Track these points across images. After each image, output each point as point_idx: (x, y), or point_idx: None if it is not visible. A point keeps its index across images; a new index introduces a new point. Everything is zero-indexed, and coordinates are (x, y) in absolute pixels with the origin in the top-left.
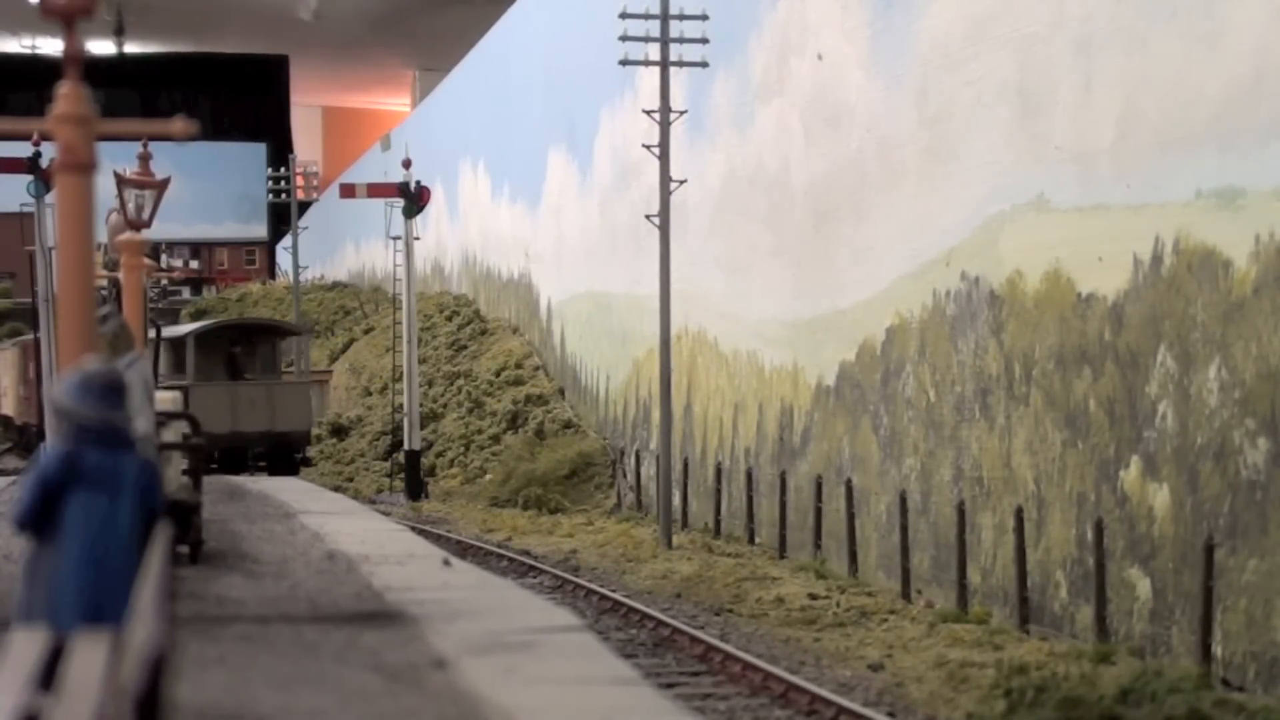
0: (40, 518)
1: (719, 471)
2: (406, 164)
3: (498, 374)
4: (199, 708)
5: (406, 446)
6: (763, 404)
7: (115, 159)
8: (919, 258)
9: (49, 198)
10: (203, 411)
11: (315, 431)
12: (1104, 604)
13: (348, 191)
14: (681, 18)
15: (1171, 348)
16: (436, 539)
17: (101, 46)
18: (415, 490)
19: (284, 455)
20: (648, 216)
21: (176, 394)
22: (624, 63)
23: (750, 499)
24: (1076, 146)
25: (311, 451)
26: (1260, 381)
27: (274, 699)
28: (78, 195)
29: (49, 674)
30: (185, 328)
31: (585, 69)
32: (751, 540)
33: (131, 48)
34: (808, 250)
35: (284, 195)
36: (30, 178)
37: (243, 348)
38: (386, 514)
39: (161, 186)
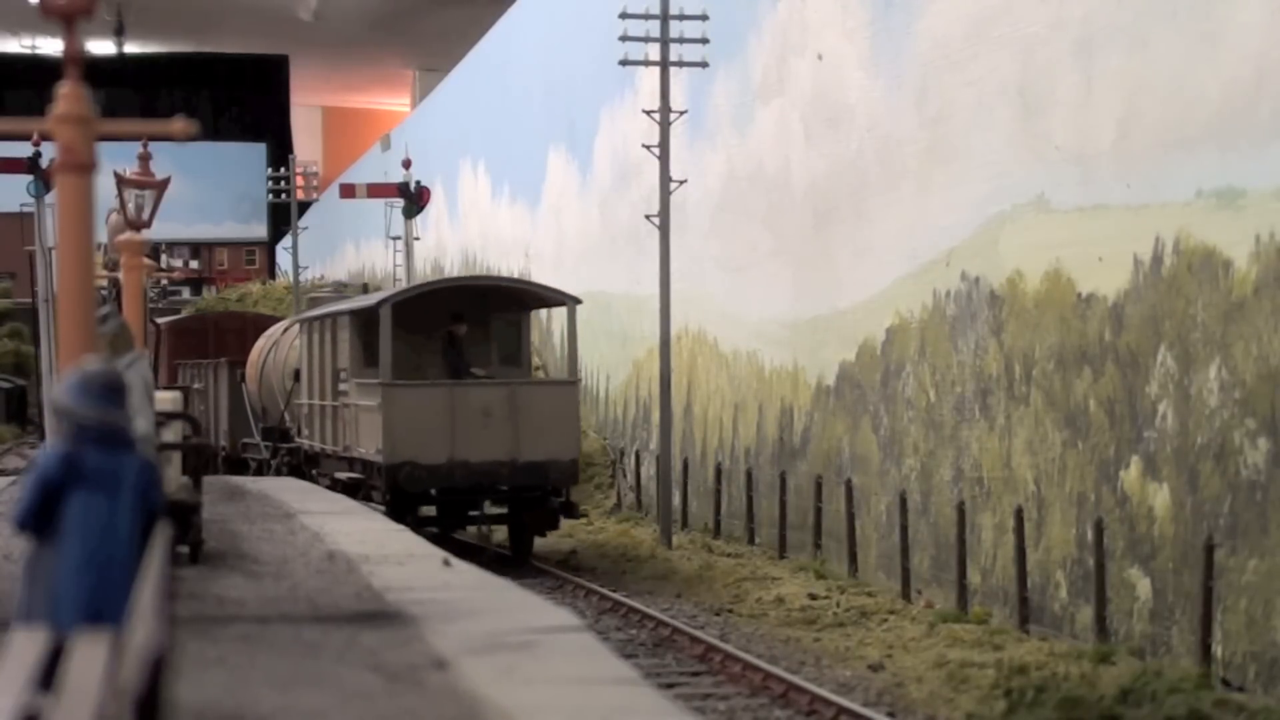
0: (40, 518)
1: (719, 471)
2: (406, 164)
3: None
4: (199, 708)
5: None
6: (763, 404)
7: (115, 159)
8: (919, 258)
9: (49, 198)
10: (406, 430)
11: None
12: (1104, 604)
13: (348, 191)
14: (681, 18)
15: (1172, 348)
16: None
17: (101, 46)
18: None
19: (536, 501)
20: (648, 216)
21: (176, 394)
22: (624, 63)
23: (750, 499)
24: (1077, 146)
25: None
26: (1260, 381)
27: (274, 699)
28: (78, 195)
29: (49, 674)
30: (375, 296)
31: (585, 69)
32: (751, 540)
33: (131, 48)
34: (808, 250)
35: (284, 195)
36: (30, 178)
37: (470, 325)
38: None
39: (161, 186)
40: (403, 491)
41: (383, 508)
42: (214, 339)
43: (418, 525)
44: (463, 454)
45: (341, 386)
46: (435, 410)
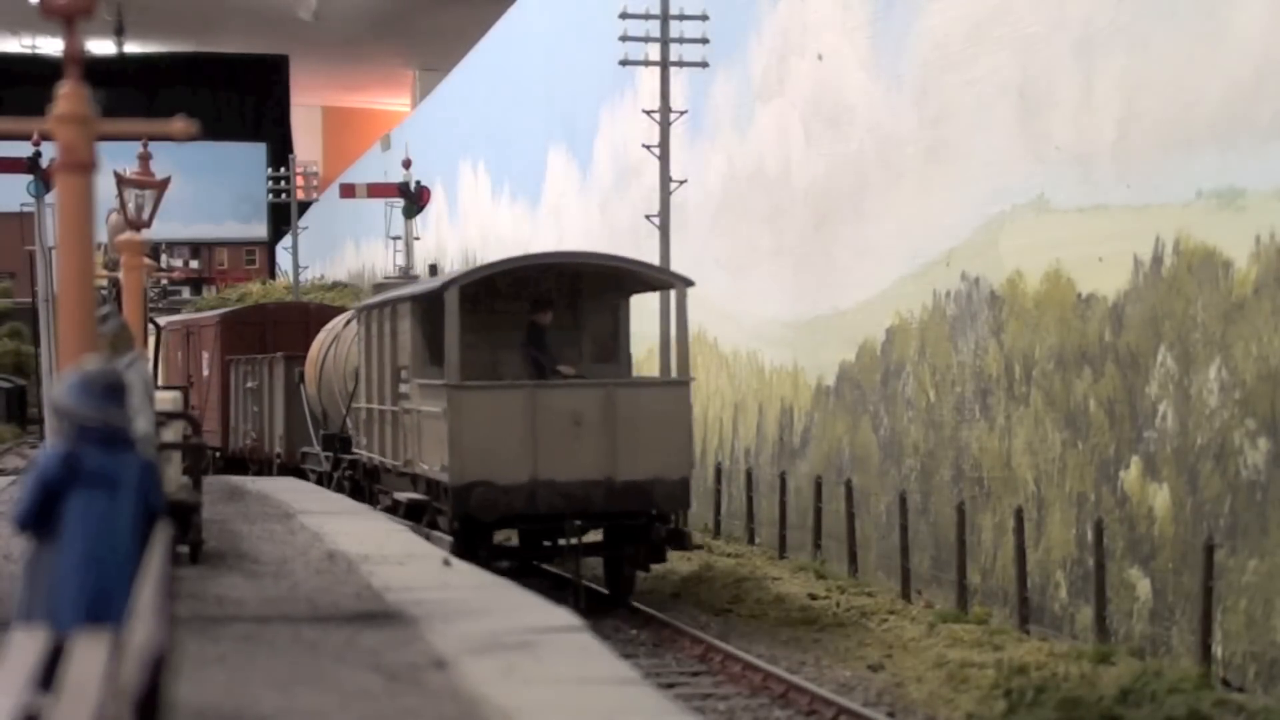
0: (40, 518)
1: (719, 472)
2: (406, 164)
3: None
4: (199, 708)
5: None
6: (763, 404)
7: (115, 159)
8: (919, 258)
9: (49, 198)
10: (479, 443)
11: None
12: (1104, 604)
13: (348, 191)
14: (681, 18)
15: (1172, 348)
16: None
17: (101, 46)
18: None
19: (637, 530)
20: (648, 216)
21: (176, 394)
22: (624, 63)
23: (750, 499)
24: (1077, 147)
25: None
26: (1260, 382)
27: (274, 699)
28: (78, 195)
29: (49, 674)
30: (439, 279)
31: (585, 69)
32: (751, 540)
33: (131, 48)
34: (808, 250)
35: (284, 195)
36: (30, 178)
37: (555, 313)
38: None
39: (161, 186)
40: (474, 520)
41: (449, 537)
42: (272, 333)
43: (494, 558)
44: (547, 472)
45: (402, 388)
46: (514, 418)
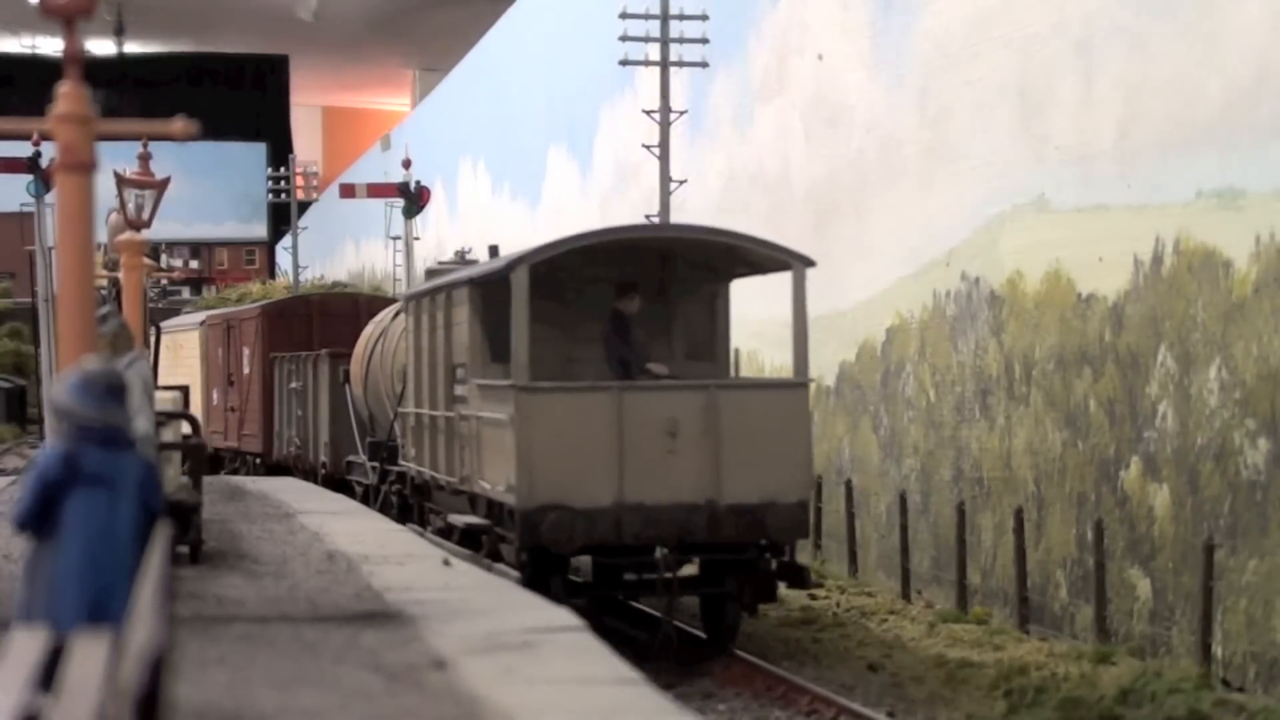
0: (40, 518)
1: None
2: (406, 164)
3: None
4: (199, 708)
5: None
6: None
7: (115, 159)
8: (919, 258)
9: (49, 198)
10: (552, 457)
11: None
12: (1104, 604)
13: (348, 191)
14: (681, 18)
15: (1172, 348)
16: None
17: (101, 46)
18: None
19: (744, 564)
20: (648, 217)
21: (176, 394)
22: (624, 63)
23: None
24: (1077, 146)
25: None
26: (1260, 382)
27: (274, 699)
28: (78, 195)
29: (49, 674)
30: (502, 259)
31: (585, 69)
32: None
33: (131, 48)
34: (808, 250)
35: (284, 195)
36: (30, 177)
37: (644, 300)
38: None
39: (161, 186)
40: (545, 551)
41: (515, 571)
42: (319, 327)
43: (570, 595)
44: (636, 493)
45: (458, 390)
46: (596, 427)
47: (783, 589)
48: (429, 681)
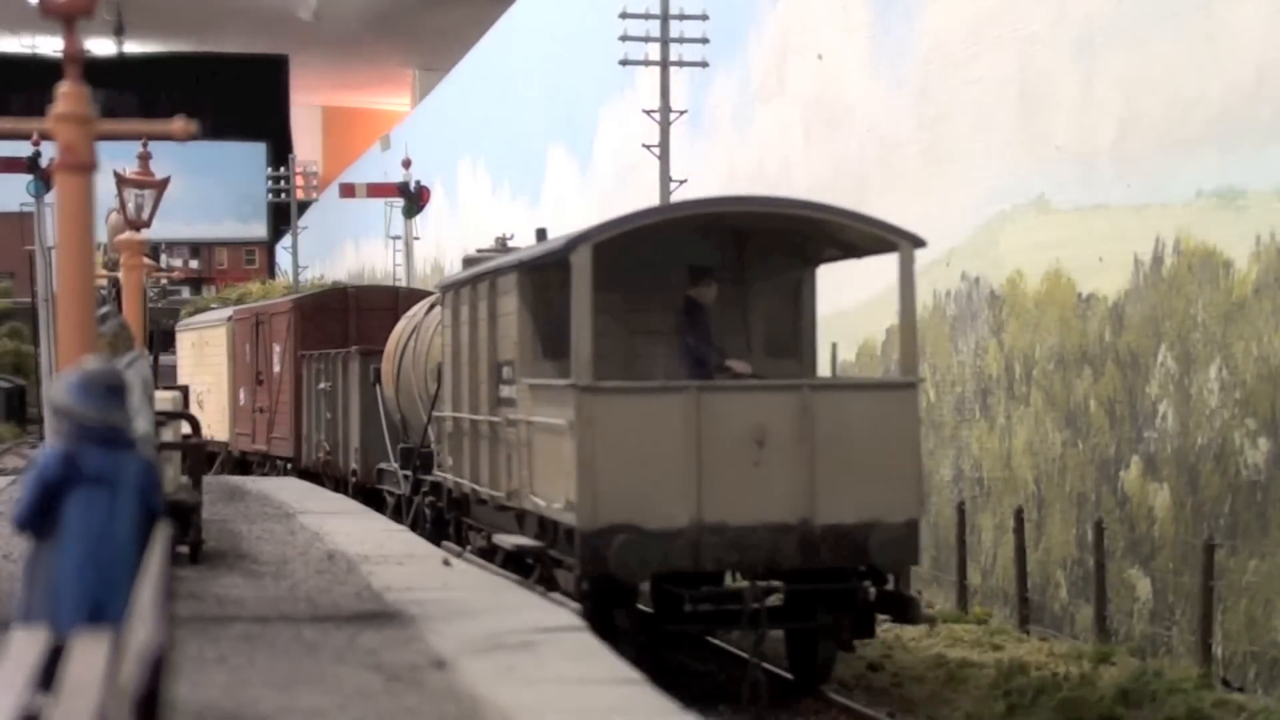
0: (40, 517)
1: None
2: (406, 164)
3: None
4: (199, 708)
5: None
6: None
7: (115, 159)
8: (919, 257)
9: (49, 198)
10: (620, 469)
11: None
12: (1104, 604)
13: (348, 191)
14: (681, 18)
15: (1172, 348)
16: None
17: (101, 46)
18: None
19: (839, 595)
20: None
21: (176, 394)
22: (624, 63)
23: None
24: (1077, 146)
25: None
26: (1260, 382)
27: (274, 699)
28: (78, 195)
29: (49, 674)
30: (559, 239)
31: (585, 69)
32: None
33: (131, 48)
34: None
35: (284, 195)
36: (30, 177)
37: (722, 286)
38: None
39: (161, 186)
40: (613, 580)
41: (573, 604)
42: (355, 322)
43: (639, 631)
44: (717, 512)
45: (504, 391)
46: (671, 434)
47: (883, 623)
48: (429, 681)
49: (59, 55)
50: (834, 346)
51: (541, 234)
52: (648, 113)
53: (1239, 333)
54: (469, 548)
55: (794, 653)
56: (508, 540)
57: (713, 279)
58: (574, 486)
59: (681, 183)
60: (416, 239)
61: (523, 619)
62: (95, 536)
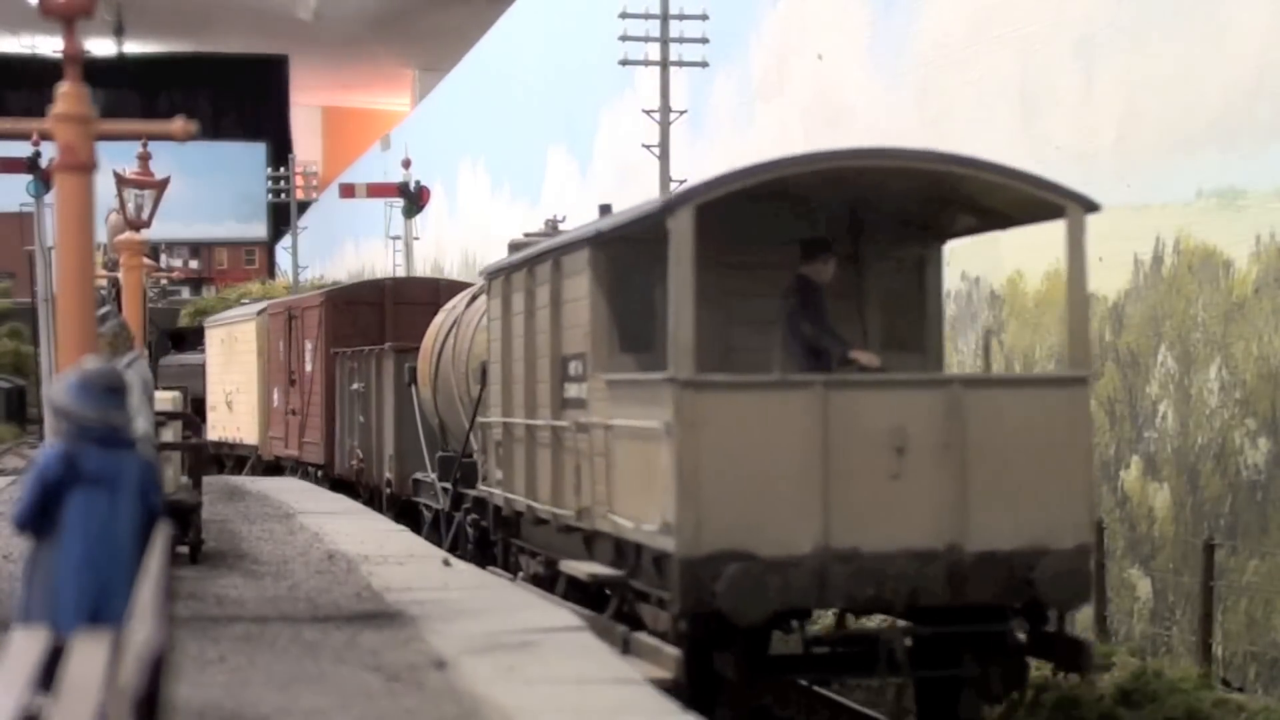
0: (40, 518)
1: None
2: (406, 164)
3: None
4: (199, 708)
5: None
6: None
7: (115, 159)
8: None
9: (49, 198)
10: (729, 484)
11: None
12: (1104, 604)
13: (347, 191)
14: (681, 18)
15: (1172, 348)
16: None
17: (101, 46)
18: None
19: (992, 638)
20: None
21: (176, 394)
22: (624, 63)
23: None
24: (1077, 146)
25: None
26: (1260, 381)
27: (274, 699)
28: (78, 195)
29: (49, 674)
30: (651, 203)
31: (585, 69)
32: None
33: (131, 48)
34: None
35: (284, 195)
36: (30, 178)
37: (840, 258)
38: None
39: (161, 186)
40: (721, 620)
41: (668, 648)
42: (392, 317)
43: (749, 682)
44: (847, 536)
45: (570, 391)
46: (792, 440)
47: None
48: (429, 681)
49: (59, 55)
50: (987, 335)
51: (605, 209)
52: (648, 113)
53: (1239, 333)
54: (520, 574)
55: (926, 707)
56: (580, 569)
57: (831, 255)
58: (672, 504)
59: (681, 182)
60: (416, 239)
61: (523, 619)
62: (95, 537)
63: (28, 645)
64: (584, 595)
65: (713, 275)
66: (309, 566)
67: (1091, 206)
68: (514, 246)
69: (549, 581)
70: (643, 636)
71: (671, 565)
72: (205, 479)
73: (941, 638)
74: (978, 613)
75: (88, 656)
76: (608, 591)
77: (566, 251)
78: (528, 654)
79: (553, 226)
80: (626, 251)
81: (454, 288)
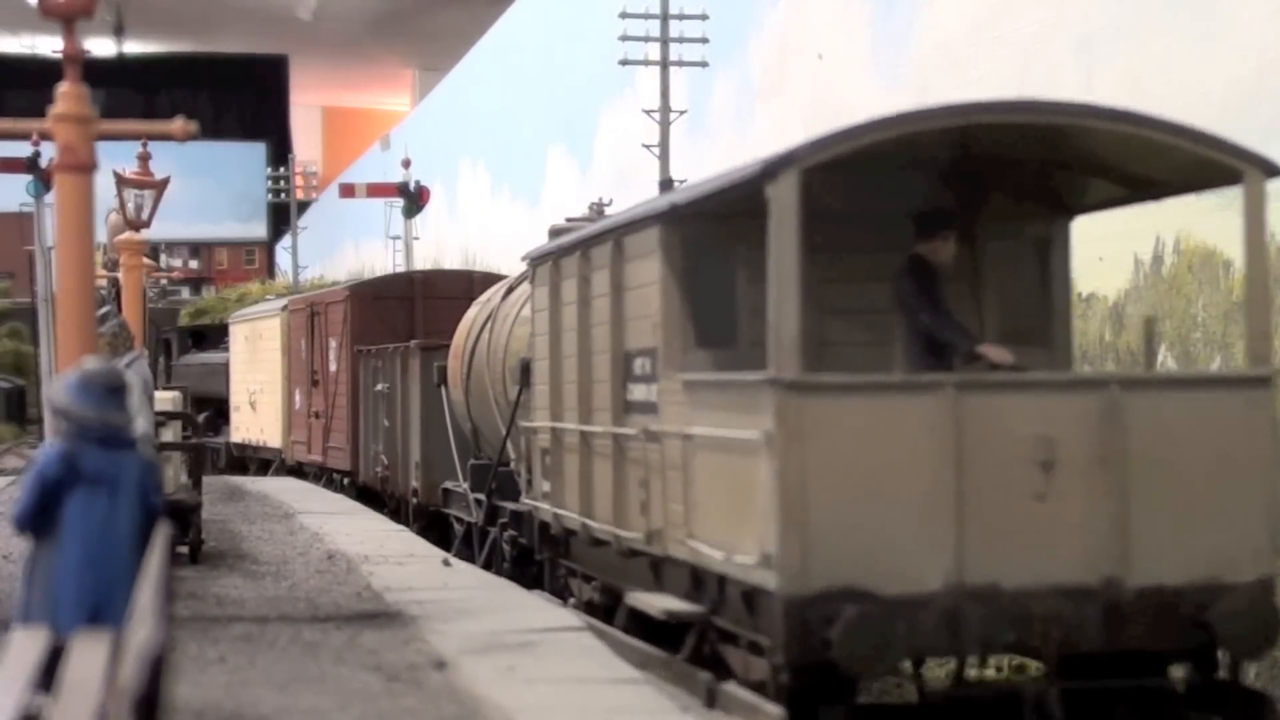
0: (40, 518)
1: None
2: (406, 164)
3: None
4: (199, 708)
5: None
6: None
7: (115, 159)
8: None
9: (49, 198)
10: (843, 506)
11: None
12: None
13: (347, 191)
14: (681, 18)
15: (1172, 348)
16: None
17: (101, 46)
18: None
19: (1152, 693)
20: None
21: (176, 394)
22: (624, 63)
23: None
24: None
25: None
26: None
27: (274, 699)
28: (78, 195)
29: (49, 674)
30: (751, 165)
31: (585, 69)
32: None
33: (131, 48)
34: None
35: (284, 195)
36: (30, 178)
37: (963, 235)
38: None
39: (161, 186)
40: (834, 669)
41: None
42: (423, 313)
43: None
44: (984, 570)
45: (635, 392)
46: (916, 453)
47: None
48: (429, 681)
49: (59, 55)
50: (1148, 323)
51: (667, 185)
52: (648, 113)
53: (1239, 332)
54: (571, 600)
55: None
56: (654, 604)
57: (952, 231)
58: (773, 531)
59: (682, 182)
60: (416, 239)
61: (523, 619)
62: (95, 537)
63: (28, 645)
64: (646, 629)
65: (807, 258)
66: (309, 566)
67: (1274, 170)
68: (554, 232)
69: (605, 611)
70: (734, 689)
71: (773, 605)
72: (205, 479)
73: (1096, 688)
74: (1131, 659)
75: (88, 656)
76: (690, 633)
77: (631, 231)
78: (528, 654)
79: (598, 210)
80: (703, 229)
81: (489, 280)
